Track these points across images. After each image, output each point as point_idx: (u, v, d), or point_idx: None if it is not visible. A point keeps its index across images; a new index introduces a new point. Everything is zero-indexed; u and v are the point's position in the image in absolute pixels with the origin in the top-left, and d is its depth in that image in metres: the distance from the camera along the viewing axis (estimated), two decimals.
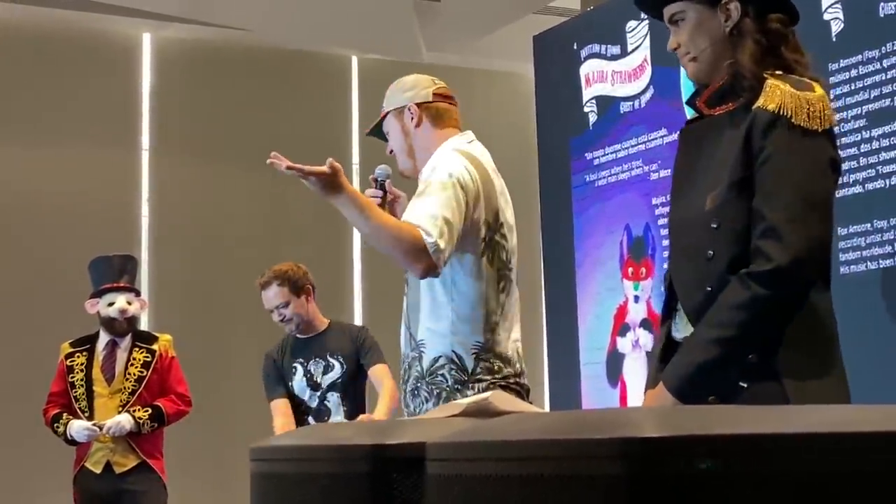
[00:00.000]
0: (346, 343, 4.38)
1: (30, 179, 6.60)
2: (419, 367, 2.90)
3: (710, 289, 2.17)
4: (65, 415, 4.71)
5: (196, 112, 6.98)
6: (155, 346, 4.85)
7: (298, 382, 4.38)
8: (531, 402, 2.94)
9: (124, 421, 4.65)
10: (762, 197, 2.13)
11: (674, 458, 1.04)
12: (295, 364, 4.39)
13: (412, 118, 3.01)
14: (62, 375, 4.81)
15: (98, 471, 4.67)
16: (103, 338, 4.83)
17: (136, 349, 4.82)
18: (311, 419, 4.34)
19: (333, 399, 4.32)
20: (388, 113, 3.07)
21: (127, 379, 4.76)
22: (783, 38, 2.24)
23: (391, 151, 3.09)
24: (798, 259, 2.09)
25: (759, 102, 2.15)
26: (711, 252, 2.18)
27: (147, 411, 4.71)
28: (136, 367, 4.78)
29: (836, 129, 2.22)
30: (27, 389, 5.26)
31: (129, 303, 4.81)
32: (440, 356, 2.86)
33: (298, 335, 4.45)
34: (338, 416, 4.32)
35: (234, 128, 6.97)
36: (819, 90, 2.17)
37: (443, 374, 2.86)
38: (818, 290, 2.16)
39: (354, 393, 4.38)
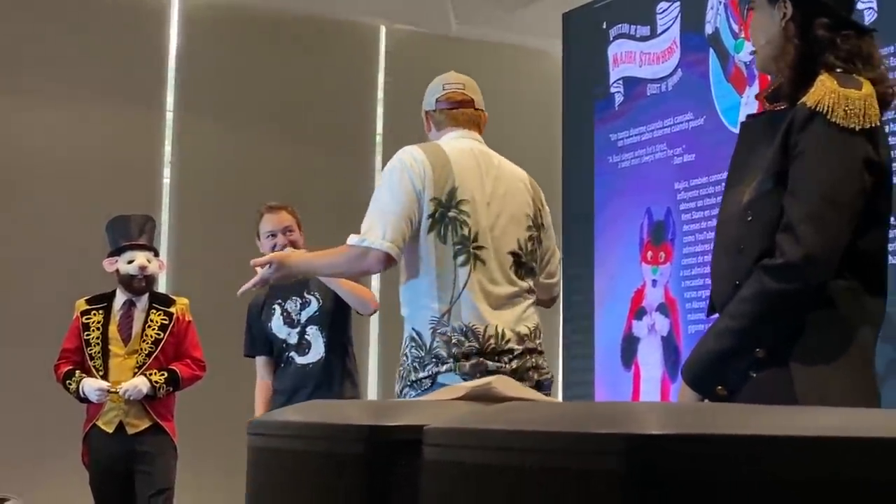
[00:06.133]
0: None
1: (53, 138, 6.59)
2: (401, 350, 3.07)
3: (737, 283, 2.15)
4: (77, 372, 4.71)
5: (222, 75, 6.96)
6: (172, 309, 4.85)
7: (276, 322, 4.36)
8: (538, 383, 2.95)
9: (141, 384, 4.66)
10: (788, 192, 2.12)
11: (672, 455, 1.03)
12: (274, 305, 4.39)
13: (425, 124, 3.30)
14: (76, 332, 4.80)
15: (110, 431, 4.68)
16: (120, 297, 4.83)
17: (154, 311, 4.82)
18: (293, 354, 4.33)
19: (313, 331, 4.32)
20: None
21: (144, 340, 4.76)
22: (828, 45, 2.18)
23: None
24: (809, 256, 2.07)
25: (803, 98, 2.14)
26: (743, 245, 2.17)
27: (163, 375, 4.72)
28: (154, 330, 4.79)
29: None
30: (40, 346, 5.27)
31: (149, 261, 4.81)
32: (407, 336, 3.00)
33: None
34: (318, 347, 4.30)
35: (259, 92, 6.95)
36: (867, 88, 2.12)
37: (406, 353, 2.99)
38: (852, 290, 2.12)
39: (333, 323, 4.34)
